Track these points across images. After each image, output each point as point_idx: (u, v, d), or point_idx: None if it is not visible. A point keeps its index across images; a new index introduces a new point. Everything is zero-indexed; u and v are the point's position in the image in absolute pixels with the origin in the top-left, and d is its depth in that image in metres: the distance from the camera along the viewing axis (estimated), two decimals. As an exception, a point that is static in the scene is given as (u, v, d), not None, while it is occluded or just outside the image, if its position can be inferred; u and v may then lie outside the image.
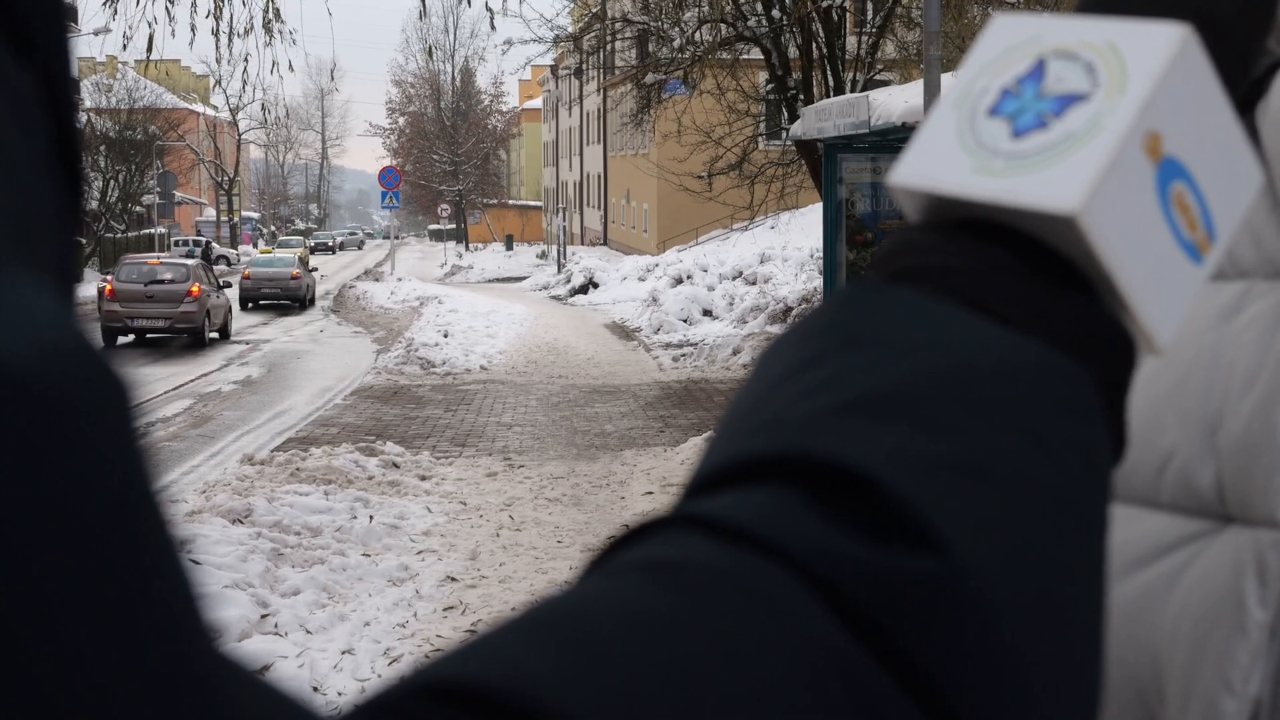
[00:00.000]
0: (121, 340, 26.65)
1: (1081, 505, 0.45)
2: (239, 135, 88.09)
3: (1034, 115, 0.50)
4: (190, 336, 26.60)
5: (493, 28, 18.69)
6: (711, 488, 0.43)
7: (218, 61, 16.48)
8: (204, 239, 65.51)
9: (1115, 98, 0.49)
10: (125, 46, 16.31)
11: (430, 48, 24.96)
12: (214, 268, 34.67)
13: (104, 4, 15.66)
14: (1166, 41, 0.50)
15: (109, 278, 27.95)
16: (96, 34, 16.16)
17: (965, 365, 0.45)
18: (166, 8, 15.39)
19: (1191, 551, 0.73)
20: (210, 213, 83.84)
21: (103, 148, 56.52)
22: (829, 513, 0.41)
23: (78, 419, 0.27)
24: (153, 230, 55.14)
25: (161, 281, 26.84)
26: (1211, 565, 0.72)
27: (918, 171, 0.52)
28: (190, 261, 29.53)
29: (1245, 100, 0.80)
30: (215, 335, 27.61)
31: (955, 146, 0.51)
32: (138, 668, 0.27)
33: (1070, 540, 0.44)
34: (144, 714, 0.27)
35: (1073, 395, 0.46)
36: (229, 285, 31.71)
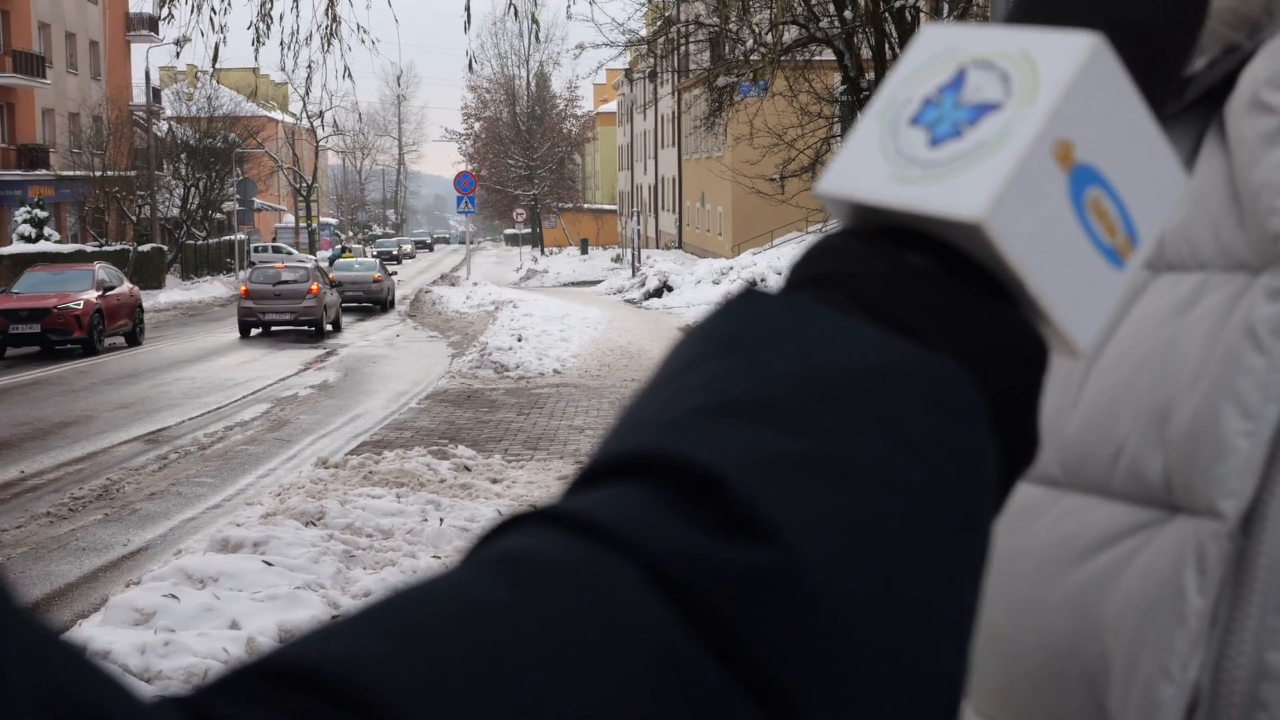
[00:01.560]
0: (254, 332, 30.80)
1: (947, 502, 0.45)
2: (317, 142, 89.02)
3: (950, 124, 0.51)
4: (312, 328, 30.88)
5: (537, 39, 18.73)
6: (583, 485, 0.45)
7: (266, 71, 16.56)
8: (343, 245, 67.82)
9: (1026, 107, 0.50)
10: (178, 54, 16.45)
11: (471, 60, 25.52)
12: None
13: (172, 14, 15.84)
14: (1076, 51, 0.51)
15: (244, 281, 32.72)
16: (178, 44, 16.28)
17: (835, 367, 0.46)
18: (210, 18, 15.51)
19: (1140, 540, 0.74)
20: (289, 219, 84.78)
21: (183, 156, 57.39)
22: (681, 510, 0.42)
23: None
24: (232, 237, 55.81)
25: (286, 282, 31.28)
26: (1157, 554, 0.72)
27: (841, 180, 0.53)
28: (309, 264, 34.11)
29: (1217, 97, 0.81)
30: (330, 327, 31.77)
31: (877, 155, 0.52)
32: None
33: (929, 535, 0.44)
34: None
35: (948, 395, 0.47)
36: (339, 285, 35.86)
